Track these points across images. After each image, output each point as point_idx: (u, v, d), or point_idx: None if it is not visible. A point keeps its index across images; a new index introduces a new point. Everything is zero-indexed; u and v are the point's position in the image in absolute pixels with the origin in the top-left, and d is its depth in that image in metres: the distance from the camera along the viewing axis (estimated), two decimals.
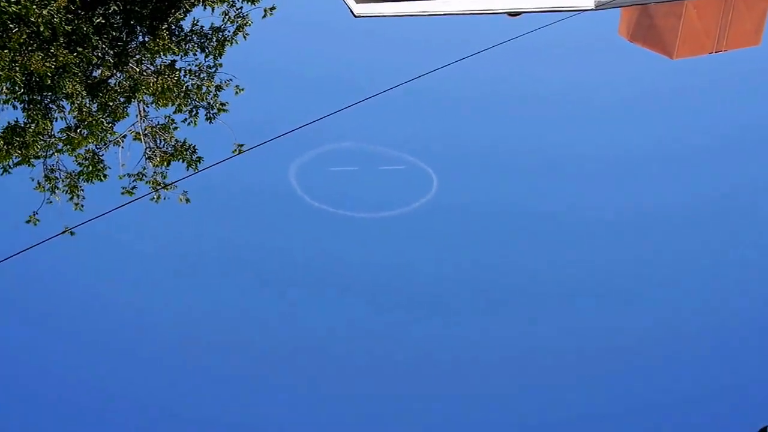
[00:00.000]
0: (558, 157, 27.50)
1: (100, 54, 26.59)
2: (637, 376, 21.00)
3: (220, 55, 28.16)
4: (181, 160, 25.31)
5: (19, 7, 26.42)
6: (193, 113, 26.50)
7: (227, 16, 29.91)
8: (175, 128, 26.32)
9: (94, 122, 25.39)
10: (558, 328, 22.13)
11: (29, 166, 24.21)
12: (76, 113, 25.52)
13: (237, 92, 27.10)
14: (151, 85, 26.16)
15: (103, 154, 25.41)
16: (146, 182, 25.13)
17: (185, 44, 27.97)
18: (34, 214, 22.75)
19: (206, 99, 26.73)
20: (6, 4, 26.35)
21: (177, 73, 26.86)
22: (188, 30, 28.90)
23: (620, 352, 21.46)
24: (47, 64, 25.63)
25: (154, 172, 25.47)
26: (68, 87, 25.55)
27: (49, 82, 25.62)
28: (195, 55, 28.12)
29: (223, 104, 26.81)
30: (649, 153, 27.70)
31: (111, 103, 25.64)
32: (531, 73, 30.65)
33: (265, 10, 29.97)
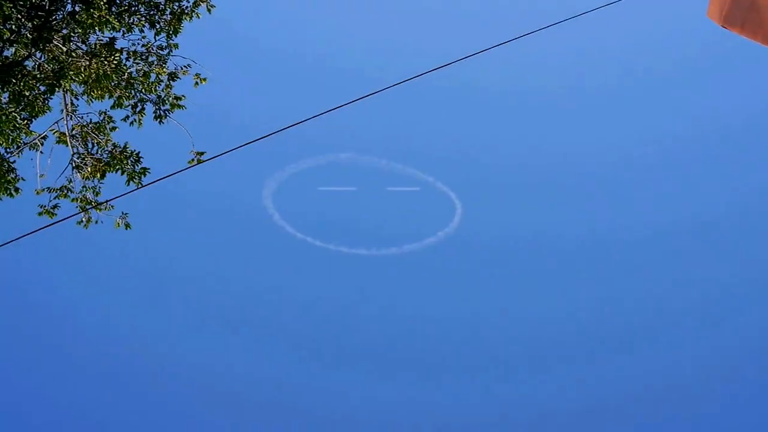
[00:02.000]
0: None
1: (13, 26, 19.40)
2: None
3: (176, 32, 21.22)
4: (119, 172, 21.20)
5: None
6: (138, 109, 21.25)
7: None
8: (113, 128, 21.44)
9: (3, 117, 20.01)
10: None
11: None
12: None
13: (197, 83, 21.31)
14: (82, 70, 20.15)
15: (14, 161, 20.89)
16: (72, 200, 21.46)
17: (129, 17, 20.50)
18: None
19: (155, 91, 21.13)
20: None
21: (117, 55, 20.41)
22: None
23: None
24: None
25: (84, 187, 21.58)
26: None
27: None
28: (142, 31, 21.13)
29: (177, 98, 21.44)
30: None
31: (27, 93, 20.06)
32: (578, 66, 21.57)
33: None
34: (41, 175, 20.87)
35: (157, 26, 20.75)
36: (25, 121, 20.31)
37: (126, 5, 20.32)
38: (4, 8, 19.22)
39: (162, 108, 21.15)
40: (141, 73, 20.79)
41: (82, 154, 21.04)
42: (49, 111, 20.46)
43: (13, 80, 19.80)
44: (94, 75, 20.11)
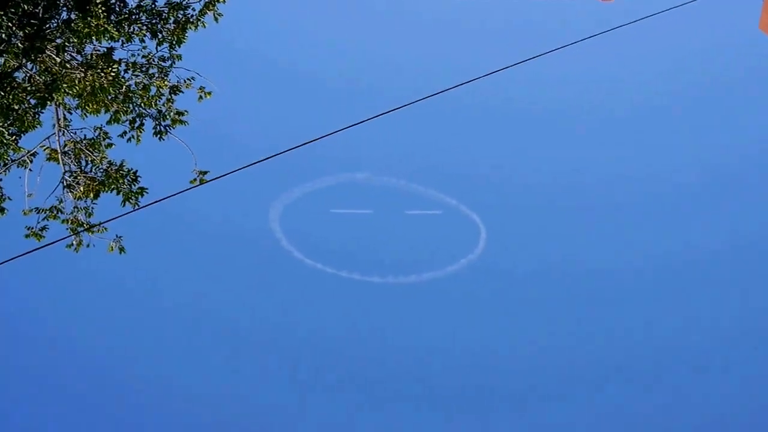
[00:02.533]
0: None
1: (3, 35, 17.99)
2: None
3: (179, 42, 19.77)
4: (115, 192, 19.74)
5: None
6: (137, 125, 19.81)
7: None
8: (109, 145, 20.01)
9: None
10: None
11: None
12: None
13: (201, 97, 19.88)
14: (77, 82, 18.74)
15: (0, 179, 19.41)
16: (63, 221, 19.94)
17: (129, 26, 19.10)
18: None
19: (156, 105, 19.65)
20: None
21: (115, 66, 18.93)
22: (134, 4, 18.74)
23: None
24: None
25: (75, 207, 20.04)
26: None
27: None
28: (143, 41, 19.60)
29: (180, 113, 20.03)
30: None
31: (16, 107, 18.58)
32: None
33: None
34: (29, 195, 19.55)
35: (159, 36, 19.30)
36: (14, 137, 18.91)
37: (126, 13, 18.83)
38: None
39: (162, 123, 19.73)
40: (140, 86, 19.36)
41: (75, 172, 19.64)
42: (40, 126, 19.04)
43: (2, 93, 18.34)
44: (89, 88, 18.66)
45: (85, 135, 19.60)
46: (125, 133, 19.63)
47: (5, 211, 19.41)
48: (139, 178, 19.67)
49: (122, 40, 19.08)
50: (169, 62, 19.53)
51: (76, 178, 19.54)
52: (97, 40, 18.68)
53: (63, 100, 18.87)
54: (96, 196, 19.63)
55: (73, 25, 18.31)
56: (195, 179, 19.43)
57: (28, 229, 19.38)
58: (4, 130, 18.67)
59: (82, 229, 19.62)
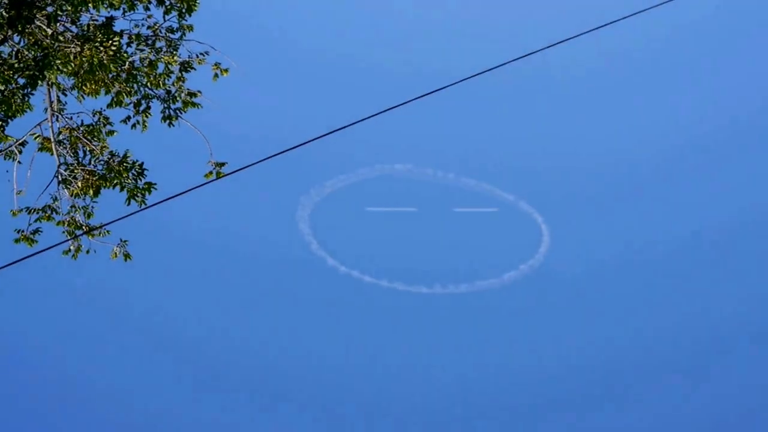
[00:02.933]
0: None
1: None
2: None
3: (190, 10, 17.29)
4: (118, 188, 17.21)
5: None
6: (142, 108, 17.32)
7: None
8: (111, 133, 17.47)
9: None
10: None
11: None
12: None
13: (217, 74, 17.38)
14: (72, 58, 16.30)
15: None
16: (58, 223, 17.51)
17: None
18: None
19: (164, 84, 17.20)
20: None
21: (116, 39, 16.44)
22: None
23: None
24: None
25: (72, 206, 17.52)
26: None
27: None
28: (147, 9, 17.11)
29: (192, 94, 17.44)
30: None
31: (2, 88, 16.23)
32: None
33: None
34: (19, 192, 17.19)
35: (167, 3, 16.82)
36: (0, 123, 16.46)
37: None
38: None
39: (172, 107, 17.26)
40: (146, 62, 16.92)
41: (71, 164, 17.24)
42: (30, 110, 16.67)
43: None
44: (86, 64, 16.21)
45: (82, 121, 17.22)
46: (129, 118, 17.21)
47: None
48: (145, 172, 17.20)
49: (124, 8, 16.72)
50: (179, 34, 17.10)
51: (72, 171, 17.14)
52: (94, 8, 16.29)
53: (56, 79, 16.50)
54: (96, 192, 17.21)
55: None
56: (211, 172, 17.07)
57: (18, 232, 17.07)
58: None
59: (80, 232, 17.27)
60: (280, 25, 22.85)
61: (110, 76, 16.64)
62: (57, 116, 17.05)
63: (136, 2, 16.61)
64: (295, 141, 14.93)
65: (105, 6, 16.09)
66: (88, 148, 17.18)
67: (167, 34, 17.07)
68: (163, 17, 16.96)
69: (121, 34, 16.71)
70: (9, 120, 16.61)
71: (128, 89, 16.92)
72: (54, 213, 17.28)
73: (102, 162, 17.25)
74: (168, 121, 17.39)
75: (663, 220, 25.24)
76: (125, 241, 17.49)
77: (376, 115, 16.80)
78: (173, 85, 17.16)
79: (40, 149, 17.17)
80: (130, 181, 17.26)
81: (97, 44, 16.33)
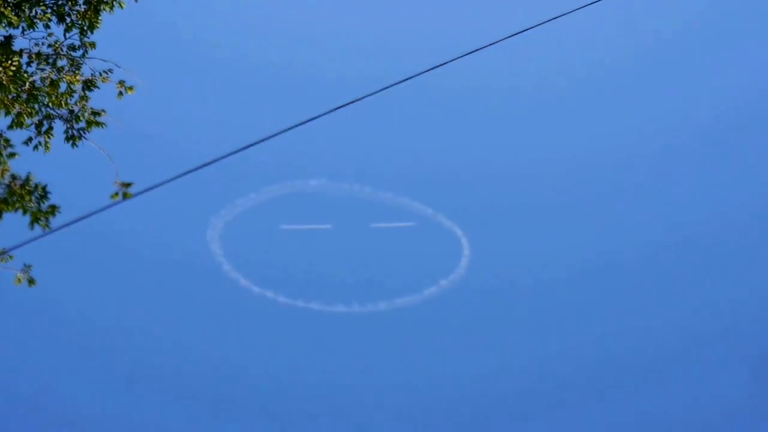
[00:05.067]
0: None
1: None
2: None
3: (92, 27, 17.35)
4: (21, 211, 16.93)
5: None
6: (44, 129, 17.19)
7: None
8: (12, 155, 17.24)
9: None
10: None
11: None
12: None
13: (121, 92, 17.35)
14: None
15: None
16: None
17: (30, 8, 16.74)
18: None
19: (67, 104, 17.03)
20: None
21: (15, 58, 16.42)
22: None
23: None
24: None
25: None
26: None
27: None
28: (48, 27, 17.09)
29: (96, 113, 17.38)
30: None
31: None
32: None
33: None
34: None
35: (68, 20, 16.78)
36: None
37: None
38: None
39: (75, 126, 17.16)
40: (47, 81, 16.81)
41: None
42: None
43: None
44: None
45: None
46: (31, 139, 17.07)
47: None
48: (49, 194, 17.10)
49: (23, 27, 16.69)
50: (81, 52, 17.11)
51: None
52: None
53: None
54: None
55: None
56: (116, 193, 16.97)
57: None
58: None
59: None
60: (189, 37, 22.99)
61: (10, 96, 16.59)
62: None
63: (36, 20, 16.56)
64: (204, 159, 14.93)
65: (3, 25, 16.03)
66: None
67: (69, 52, 17.06)
68: (64, 35, 16.96)
69: (20, 53, 16.68)
70: None
71: (29, 110, 16.84)
72: None
73: (3, 185, 17.13)
74: (71, 142, 17.33)
75: (588, 234, 25.79)
76: (29, 266, 17.35)
77: (288, 129, 16.84)
78: (76, 104, 17.14)
79: None
80: (32, 204, 17.15)
81: None
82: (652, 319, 27.34)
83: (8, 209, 17.63)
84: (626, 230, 30.87)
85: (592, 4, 21.32)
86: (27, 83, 16.68)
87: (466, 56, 19.02)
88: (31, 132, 17.21)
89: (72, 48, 17.14)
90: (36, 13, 16.57)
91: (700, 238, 30.43)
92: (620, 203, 31.26)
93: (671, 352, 25.24)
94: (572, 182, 25.79)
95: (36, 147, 17.40)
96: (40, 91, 16.84)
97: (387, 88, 18.03)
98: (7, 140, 17.40)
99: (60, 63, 17.10)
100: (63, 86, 17.12)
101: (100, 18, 16.94)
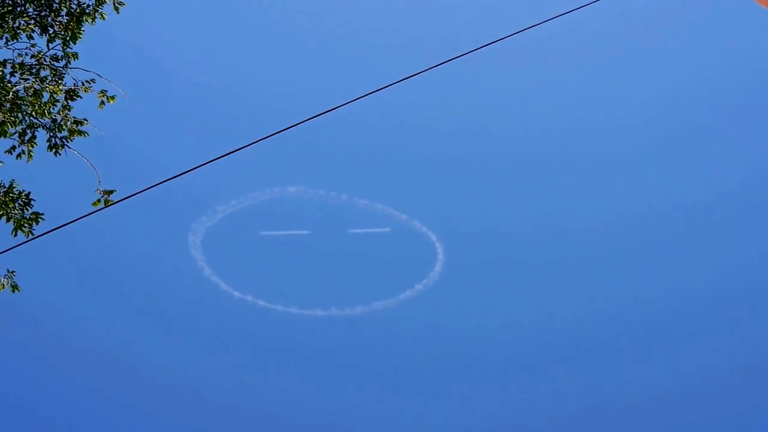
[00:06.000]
0: None
1: None
2: None
3: (75, 38, 17.68)
4: (4, 219, 17.34)
5: None
6: (27, 137, 17.55)
7: None
8: None
9: None
10: None
11: None
12: None
13: (103, 102, 17.76)
14: None
15: None
16: None
17: (13, 20, 17.01)
18: None
19: (49, 113, 17.37)
20: None
21: None
22: None
23: None
24: None
25: None
26: None
27: None
28: (31, 38, 17.40)
29: (78, 122, 17.78)
30: None
31: None
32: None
33: None
34: None
35: (51, 31, 17.14)
36: None
37: (9, 4, 16.63)
38: None
39: (58, 135, 17.54)
40: (30, 91, 17.15)
41: None
42: None
43: None
44: None
45: None
46: (14, 148, 17.42)
47: None
48: (32, 202, 17.49)
49: (6, 37, 17.05)
50: (64, 62, 17.46)
51: None
52: None
53: None
54: None
55: None
56: (99, 201, 17.39)
57: None
58: None
59: None
60: (170, 50, 23.28)
61: None
62: None
63: (19, 31, 16.93)
64: (186, 166, 15.34)
65: None
66: None
67: (51, 63, 17.43)
68: (47, 46, 17.34)
69: (3, 63, 17.06)
70: None
71: (12, 119, 17.21)
72: None
73: None
74: (54, 151, 17.71)
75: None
76: (12, 272, 17.72)
77: (267, 137, 17.29)
78: (59, 113, 17.50)
79: None
80: (16, 211, 17.52)
81: None
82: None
83: None
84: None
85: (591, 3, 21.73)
86: (10, 93, 17.04)
87: (447, 62, 19.54)
88: (15, 141, 17.63)
89: (55, 58, 17.50)
90: (19, 24, 16.98)
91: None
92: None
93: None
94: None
95: (19, 156, 17.79)
96: (23, 101, 17.21)
97: (365, 95, 18.50)
98: None
99: (43, 73, 17.46)
100: (46, 96, 17.47)
101: (82, 29, 17.36)
